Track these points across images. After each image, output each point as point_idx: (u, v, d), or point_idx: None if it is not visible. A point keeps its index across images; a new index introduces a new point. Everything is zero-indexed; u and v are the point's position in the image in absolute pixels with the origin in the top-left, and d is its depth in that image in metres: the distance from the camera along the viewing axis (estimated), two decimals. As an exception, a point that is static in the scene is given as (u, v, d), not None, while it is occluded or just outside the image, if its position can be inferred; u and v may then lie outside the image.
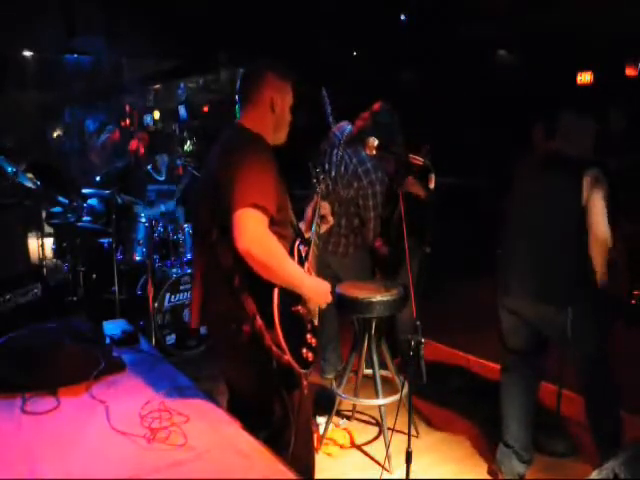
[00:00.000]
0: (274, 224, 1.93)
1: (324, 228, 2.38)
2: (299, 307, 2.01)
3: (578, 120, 2.74)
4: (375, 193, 3.50)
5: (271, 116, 2.11)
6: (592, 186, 2.55)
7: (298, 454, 2.04)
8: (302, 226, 2.36)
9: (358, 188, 3.48)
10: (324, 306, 2.11)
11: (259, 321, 1.89)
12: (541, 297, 2.70)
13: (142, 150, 5.74)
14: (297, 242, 2.10)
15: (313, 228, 2.29)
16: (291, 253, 2.03)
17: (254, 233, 1.83)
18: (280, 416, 2.06)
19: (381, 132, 3.45)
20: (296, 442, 2.03)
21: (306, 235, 2.31)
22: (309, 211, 2.39)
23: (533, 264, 2.71)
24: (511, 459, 2.85)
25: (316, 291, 2.04)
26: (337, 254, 3.63)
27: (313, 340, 2.07)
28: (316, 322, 2.14)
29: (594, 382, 2.79)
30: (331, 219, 2.39)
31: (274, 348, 1.89)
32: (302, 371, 1.99)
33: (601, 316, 2.70)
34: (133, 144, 5.66)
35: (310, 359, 2.03)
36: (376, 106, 3.59)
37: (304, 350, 2.00)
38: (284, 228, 2.03)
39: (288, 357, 1.91)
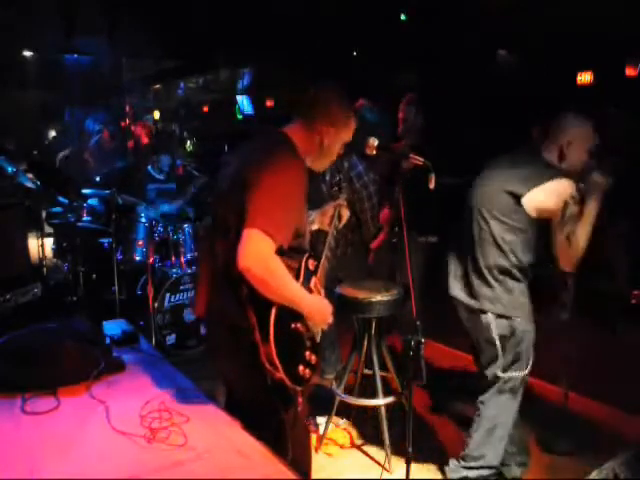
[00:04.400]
0: (287, 250, 1.90)
1: (339, 226, 2.42)
2: (298, 324, 1.98)
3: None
4: (370, 195, 3.53)
5: (318, 148, 2.07)
6: None
7: (295, 460, 2.02)
8: (315, 216, 2.35)
9: (352, 192, 3.50)
10: (325, 327, 2.08)
11: (257, 334, 1.87)
12: None
13: (145, 140, 5.72)
14: (306, 256, 2.05)
15: (328, 240, 2.29)
16: (299, 270, 2.00)
17: (256, 255, 1.79)
18: (275, 430, 2.02)
19: (364, 131, 3.44)
20: (293, 451, 2.00)
21: (314, 227, 2.32)
22: (331, 208, 2.38)
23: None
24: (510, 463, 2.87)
25: (316, 310, 2.01)
26: (336, 254, 3.64)
27: (312, 357, 2.02)
28: (318, 339, 2.10)
29: None
30: (345, 220, 2.44)
31: (267, 364, 1.86)
32: (296, 388, 1.96)
33: None
34: (131, 141, 5.65)
35: (307, 376, 1.99)
36: (357, 104, 3.57)
37: (301, 367, 1.96)
38: (297, 253, 2.00)
39: (280, 374, 1.87)
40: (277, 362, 1.85)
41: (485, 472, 2.78)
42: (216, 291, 2.03)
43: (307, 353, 2.01)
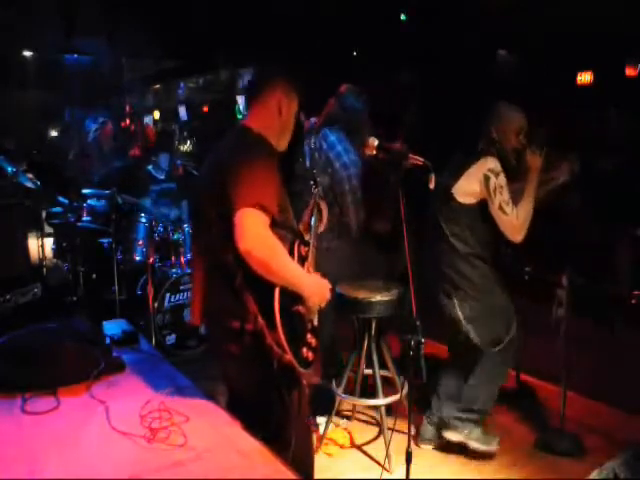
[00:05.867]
0: (276, 225, 1.93)
1: (320, 228, 2.39)
2: (299, 307, 2.01)
3: None
4: (350, 176, 3.32)
5: (278, 119, 2.13)
6: None
7: (298, 453, 2.03)
8: (300, 227, 2.36)
9: (332, 173, 3.33)
10: (324, 305, 2.10)
11: (260, 321, 1.90)
12: None
13: (152, 140, 5.74)
14: (297, 243, 2.09)
15: (312, 229, 2.29)
16: (291, 253, 2.03)
17: (256, 233, 1.84)
18: (280, 416, 2.06)
19: (347, 117, 3.43)
20: (296, 442, 2.03)
21: (305, 237, 2.30)
22: (307, 213, 2.39)
23: None
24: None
25: (315, 290, 2.04)
26: (320, 249, 3.52)
27: (313, 340, 2.06)
28: (315, 322, 2.14)
29: None
30: (325, 220, 2.40)
31: (275, 348, 1.89)
32: (302, 371, 1.99)
33: None
34: (135, 151, 5.67)
35: (310, 359, 2.03)
36: (342, 89, 3.51)
37: (304, 350, 2.00)
38: (285, 230, 2.03)
39: (289, 357, 1.91)
40: (286, 345, 1.88)
41: (477, 416, 3.01)
42: (210, 290, 2.05)
43: (308, 335, 2.05)
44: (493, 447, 3.02)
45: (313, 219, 2.35)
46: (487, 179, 2.74)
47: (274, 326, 1.87)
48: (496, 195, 2.73)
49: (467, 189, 2.81)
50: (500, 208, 2.73)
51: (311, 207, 2.38)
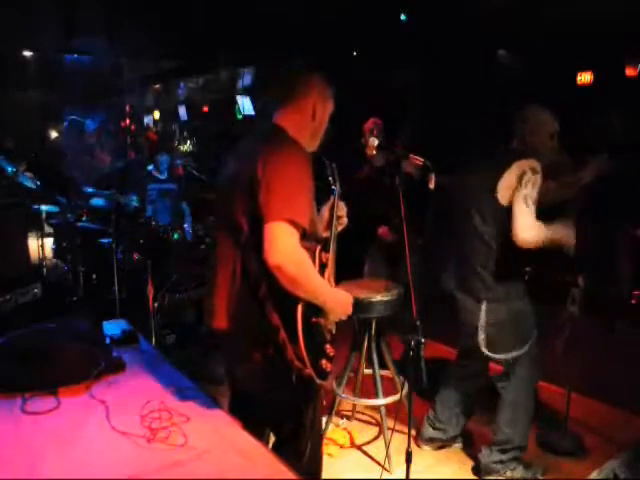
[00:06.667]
0: (304, 238, 1.87)
1: (339, 228, 2.34)
2: (320, 318, 1.97)
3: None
4: None
5: (311, 123, 2.07)
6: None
7: (309, 463, 2.02)
8: (320, 227, 2.30)
9: None
10: (344, 318, 2.07)
11: (283, 333, 1.86)
12: None
13: (154, 138, 5.75)
14: (318, 249, 2.04)
15: (332, 232, 2.22)
16: (313, 261, 1.97)
17: (286, 248, 1.77)
18: (294, 426, 2.04)
19: None
20: (309, 452, 2.02)
21: (323, 234, 2.26)
22: (326, 211, 2.32)
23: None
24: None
25: (339, 303, 2.00)
26: None
27: (331, 351, 2.02)
28: (334, 331, 2.09)
29: None
30: (346, 220, 2.33)
31: (296, 361, 1.86)
32: (320, 383, 1.96)
33: None
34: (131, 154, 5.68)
35: (328, 370, 1.98)
36: None
37: (323, 361, 1.96)
38: (311, 241, 1.98)
39: (309, 370, 1.88)
40: (307, 359, 1.85)
41: (517, 452, 2.90)
42: (234, 296, 1.97)
43: (327, 346, 2.01)
44: (539, 478, 2.94)
45: (332, 223, 2.29)
46: (524, 173, 2.68)
47: (296, 340, 1.84)
48: (525, 187, 2.67)
49: (506, 187, 2.73)
50: (523, 199, 2.66)
51: (329, 206, 2.30)
